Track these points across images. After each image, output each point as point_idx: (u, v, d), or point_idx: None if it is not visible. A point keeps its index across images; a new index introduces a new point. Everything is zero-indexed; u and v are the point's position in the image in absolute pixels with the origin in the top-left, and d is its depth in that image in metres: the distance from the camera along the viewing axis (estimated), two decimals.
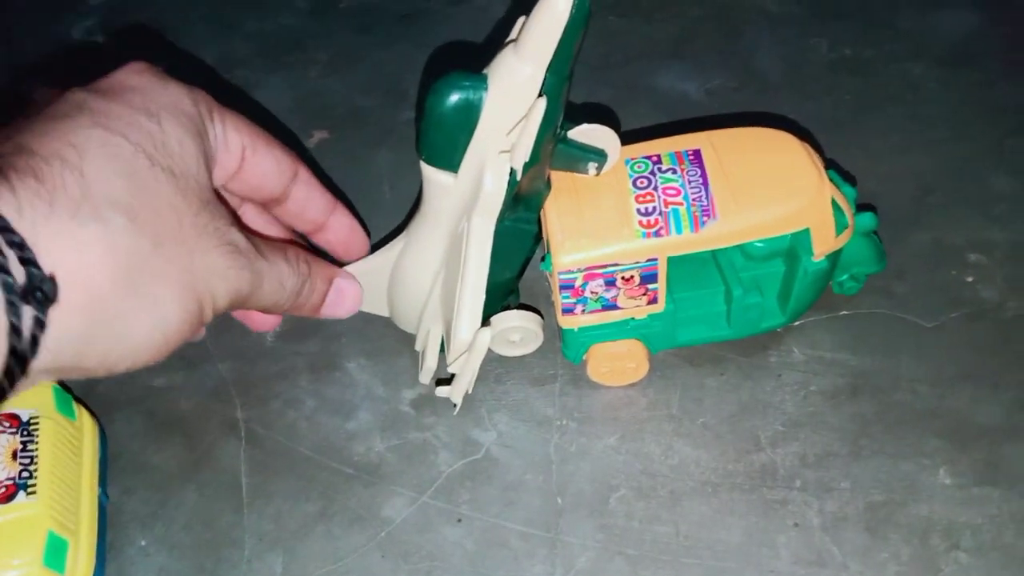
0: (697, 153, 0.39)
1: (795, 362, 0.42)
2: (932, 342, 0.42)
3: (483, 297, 0.36)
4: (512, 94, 0.33)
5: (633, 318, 0.40)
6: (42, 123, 0.24)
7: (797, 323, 0.43)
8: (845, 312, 0.44)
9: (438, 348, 0.41)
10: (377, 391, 0.43)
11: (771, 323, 0.42)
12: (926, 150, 0.51)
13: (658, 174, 0.39)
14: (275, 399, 0.43)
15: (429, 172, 0.35)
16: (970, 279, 0.45)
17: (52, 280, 0.21)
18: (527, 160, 0.34)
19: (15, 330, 0.21)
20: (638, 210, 0.37)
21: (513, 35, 0.33)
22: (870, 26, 0.61)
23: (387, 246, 0.41)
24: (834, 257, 0.40)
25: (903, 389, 0.40)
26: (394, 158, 0.55)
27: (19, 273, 0.20)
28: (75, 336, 0.23)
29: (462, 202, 0.36)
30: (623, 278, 0.38)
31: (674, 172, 0.38)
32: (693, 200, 0.37)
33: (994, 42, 0.58)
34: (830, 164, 0.46)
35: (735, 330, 0.42)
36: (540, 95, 0.33)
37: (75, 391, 0.43)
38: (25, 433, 0.35)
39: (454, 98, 0.33)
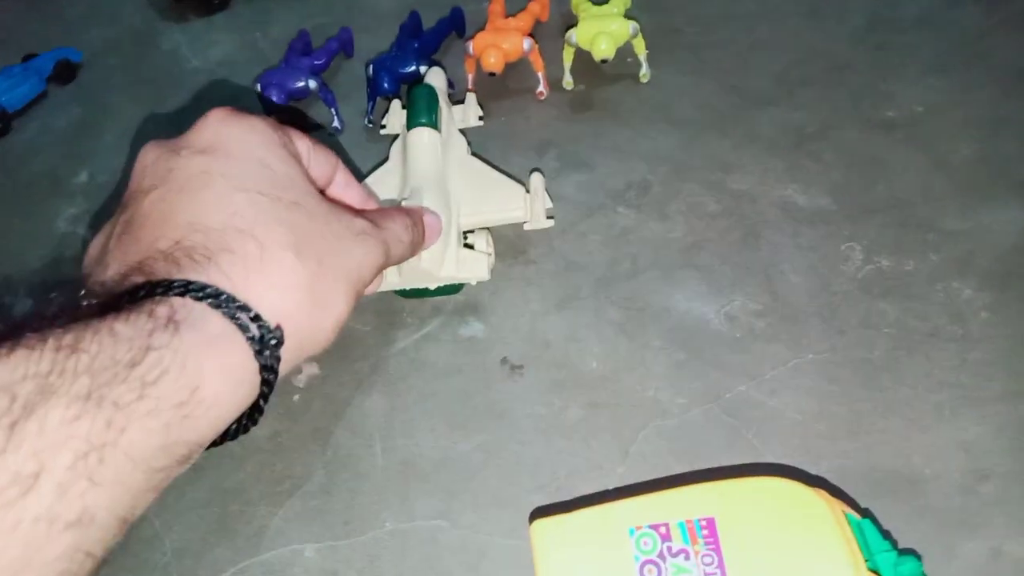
0: (711, 525, 0.34)
1: None
2: None
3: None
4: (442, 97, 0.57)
5: None
6: (185, 196, 0.29)
7: None
8: None
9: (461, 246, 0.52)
10: None
11: None
12: (978, 415, 0.45)
13: (668, 559, 0.33)
14: None
15: (427, 135, 0.52)
16: None
17: (279, 328, 0.28)
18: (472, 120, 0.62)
19: (265, 368, 0.27)
20: None
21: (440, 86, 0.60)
22: (908, 226, 0.54)
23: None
24: None
25: None
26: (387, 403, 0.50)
27: (254, 329, 0.27)
28: (289, 355, 0.29)
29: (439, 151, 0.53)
30: None
31: (687, 556, 0.33)
32: None
33: None
34: (865, 512, 0.40)
35: None
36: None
37: None
38: None
39: (431, 88, 0.56)
